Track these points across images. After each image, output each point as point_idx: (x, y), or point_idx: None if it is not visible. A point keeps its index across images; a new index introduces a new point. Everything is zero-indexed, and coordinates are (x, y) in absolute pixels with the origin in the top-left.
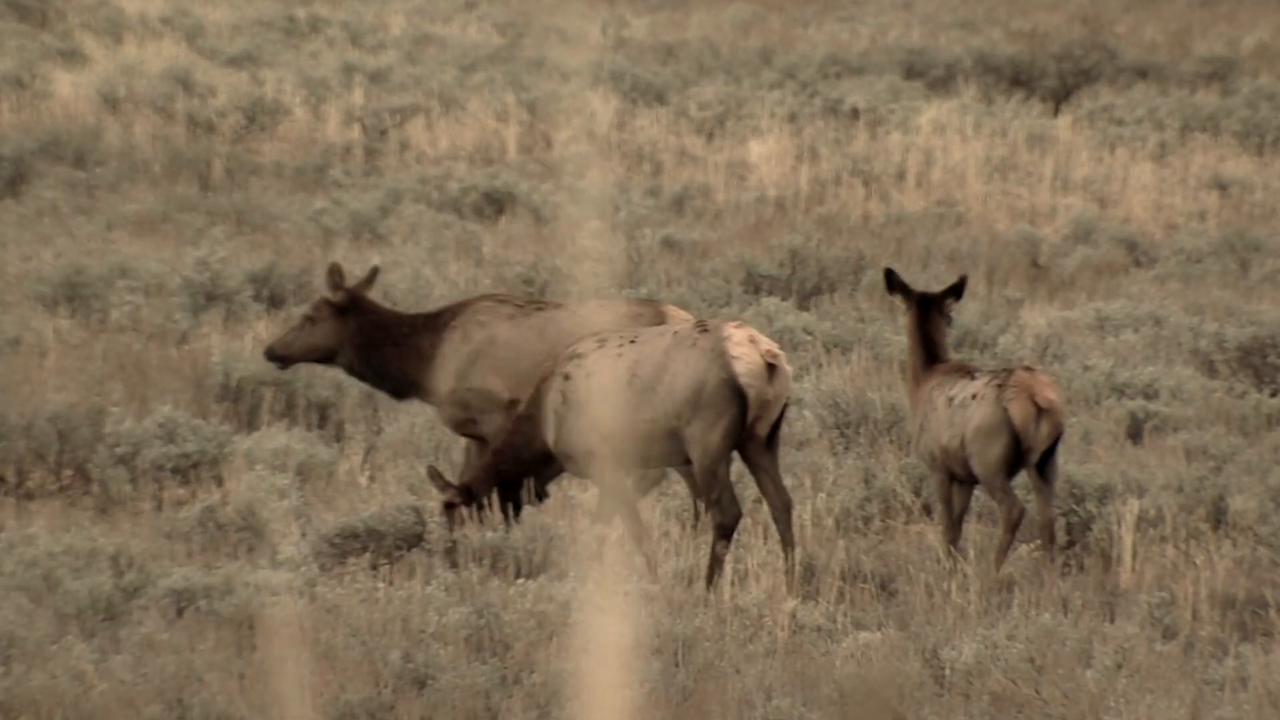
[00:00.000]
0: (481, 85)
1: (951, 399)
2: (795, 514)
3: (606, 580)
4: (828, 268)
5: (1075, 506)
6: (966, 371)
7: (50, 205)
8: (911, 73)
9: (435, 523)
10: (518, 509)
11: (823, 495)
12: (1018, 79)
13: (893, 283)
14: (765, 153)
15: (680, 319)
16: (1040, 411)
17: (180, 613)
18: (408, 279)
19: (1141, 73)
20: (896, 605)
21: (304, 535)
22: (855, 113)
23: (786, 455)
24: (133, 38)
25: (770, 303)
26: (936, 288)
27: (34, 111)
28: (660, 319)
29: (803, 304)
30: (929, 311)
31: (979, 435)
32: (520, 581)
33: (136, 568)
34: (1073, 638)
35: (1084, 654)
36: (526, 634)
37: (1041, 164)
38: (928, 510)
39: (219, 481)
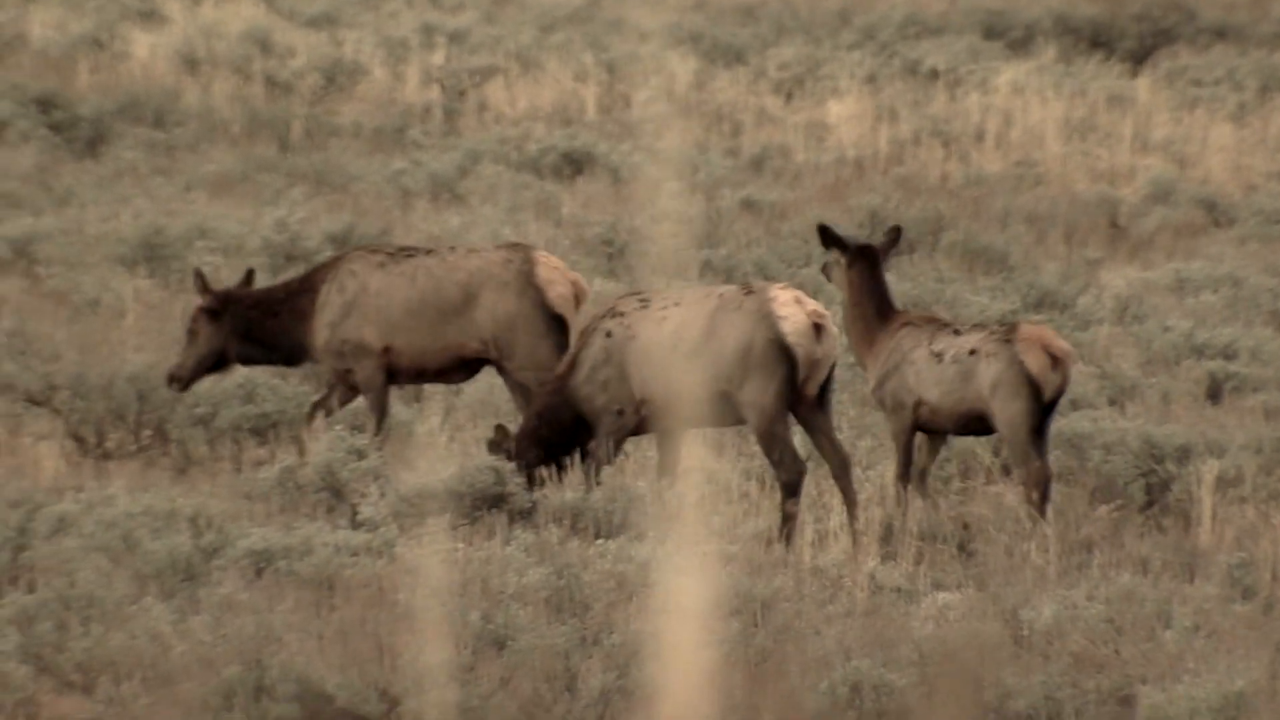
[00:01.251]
0: (560, 45)
1: (939, 354)
2: (877, 473)
3: (685, 541)
4: (906, 228)
5: (1155, 466)
6: (943, 325)
7: (129, 166)
8: (991, 33)
9: (515, 483)
10: (560, 470)
11: None
12: (1097, 40)
13: (828, 237)
14: (844, 113)
15: (553, 264)
16: (1055, 361)
17: (259, 573)
18: (486, 240)
19: (1220, 33)
20: (975, 566)
21: (383, 496)
22: (934, 73)
23: (865, 416)
24: None
25: None
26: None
27: (113, 73)
28: (530, 264)
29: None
30: (875, 262)
31: (999, 393)
32: (599, 542)
33: (215, 528)
34: (1151, 598)
35: (1163, 614)
36: (605, 595)
37: (1120, 125)
38: (1006, 471)
39: (298, 442)
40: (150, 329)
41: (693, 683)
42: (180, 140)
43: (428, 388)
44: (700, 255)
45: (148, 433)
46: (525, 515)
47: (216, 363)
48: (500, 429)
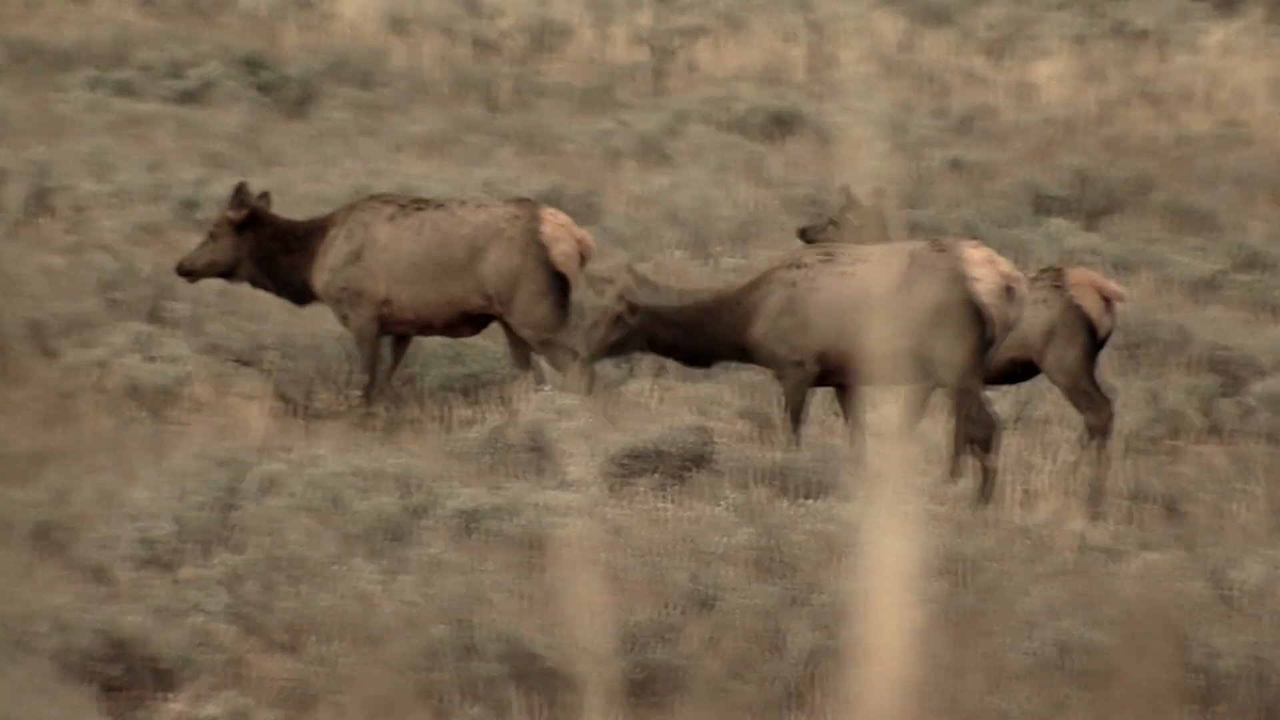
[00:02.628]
0: (768, 6)
1: None
2: (1080, 435)
3: (892, 501)
4: (1114, 188)
5: None
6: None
7: (337, 126)
8: None
9: (722, 443)
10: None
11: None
12: None
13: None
14: (1051, 73)
15: (560, 221)
16: (1108, 303)
17: (466, 533)
18: (694, 200)
19: None
20: (1183, 526)
21: (591, 456)
22: (1142, 33)
23: None
24: None
25: (1057, 223)
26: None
27: (321, 33)
28: (536, 220)
29: (1089, 225)
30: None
31: (1056, 339)
32: (806, 502)
33: (423, 488)
34: None
35: None
36: (812, 555)
37: None
38: (1216, 430)
39: (506, 402)
40: None
41: (899, 643)
42: (387, 100)
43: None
44: (907, 215)
45: (355, 392)
46: (733, 475)
47: (227, 272)
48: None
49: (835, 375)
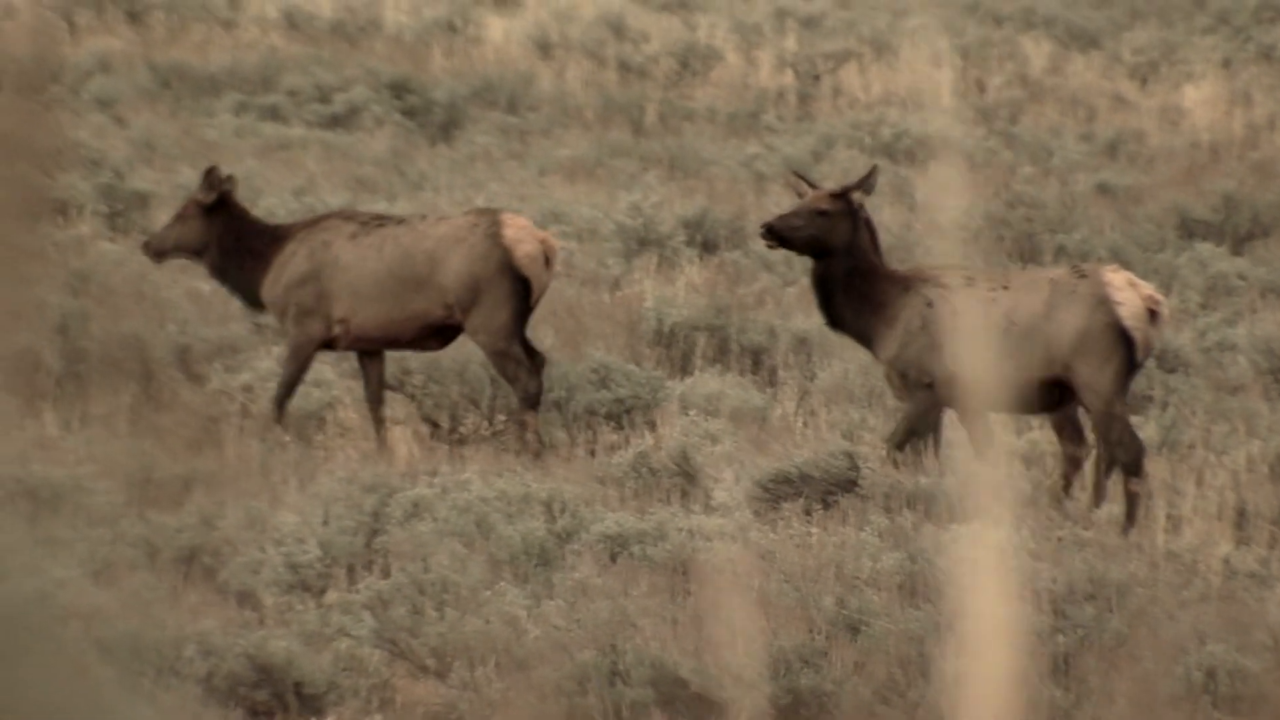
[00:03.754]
0: (914, 30)
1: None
2: (1230, 459)
3: (1039, 526)
4: (1261, 213)
5: None
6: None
7: (483, 150)
8: None
9: (869, 468)
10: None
11: (1257, 441)
12: None
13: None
14: (1199, 97)
15: (520, 224)
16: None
17: (613, 558)
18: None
19: None
20: None
21: (737, 480)
22: None
23: (1220, 401)
24: None
25: (1204, 248)
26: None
27: (467, 57)
28: (497, 225)
29: (1236, 249)
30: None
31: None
32: (954, 527)
33: (570, 513)
34: None
35: None
36: (959, 580)
37: None
38: None
39: (652, 427)
40: None
41: (1046, 668)
42: (534, 125)
43: (781, 372)
44: (1054, 240)
45: (502, 418)
46: (880, 499)
47: (193, 253)
48: None
49: (965, 399)
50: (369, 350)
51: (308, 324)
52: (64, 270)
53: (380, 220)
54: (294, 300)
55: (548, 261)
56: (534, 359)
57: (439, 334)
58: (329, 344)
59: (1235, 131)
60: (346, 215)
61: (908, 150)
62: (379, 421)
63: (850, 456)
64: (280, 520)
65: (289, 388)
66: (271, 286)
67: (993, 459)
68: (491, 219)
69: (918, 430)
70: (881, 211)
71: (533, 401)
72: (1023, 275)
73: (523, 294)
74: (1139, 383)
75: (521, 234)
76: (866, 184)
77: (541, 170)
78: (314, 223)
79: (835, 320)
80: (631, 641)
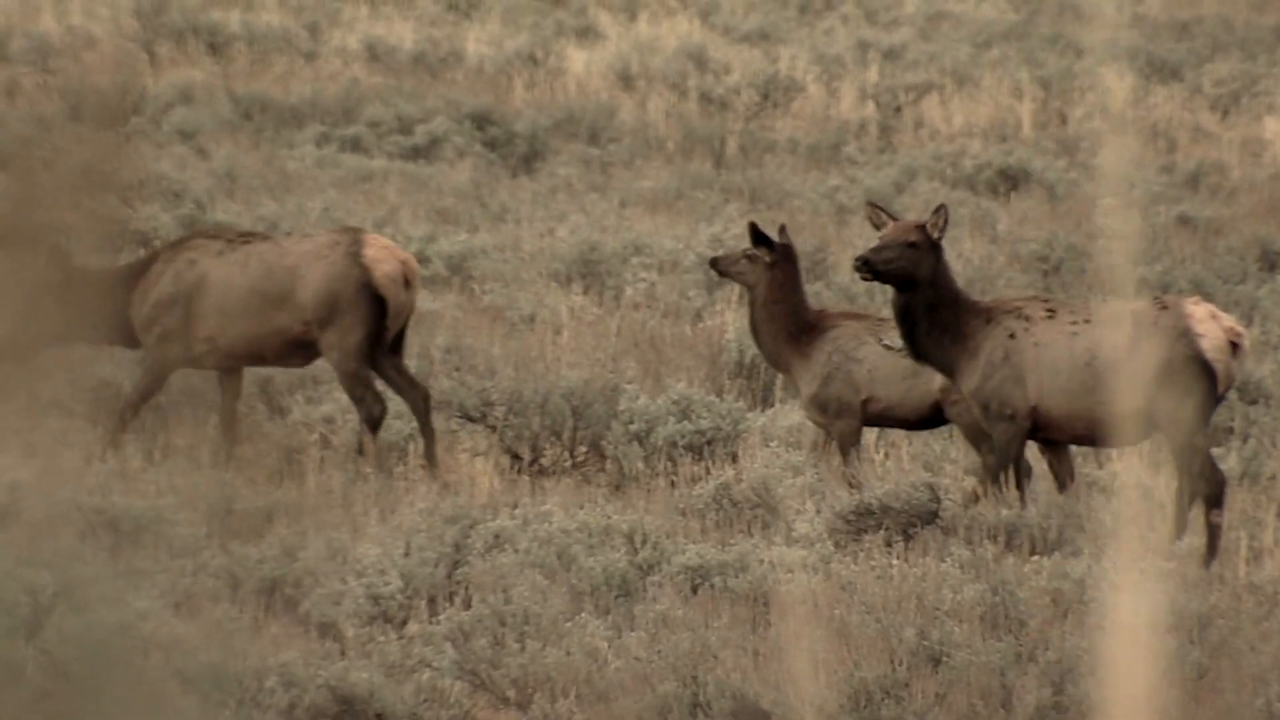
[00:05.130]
0: (996, 62)
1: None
2: None
3: (1122, 557)
4: None
5: None
6: (878, 321)
7: (565, 182)
8: None
9: (950, 499)
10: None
11: None
12: None
13: (757, 235)
14: None
15: (382, 244)
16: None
17: (695, 589)
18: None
19: None
20: None
21: (818, 512)
22: None
23: None
24: (647, 14)
25: None
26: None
27: (548, 89)
28: (358, 244)
29: None
30: (795, 262)
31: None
32: (1035, 558)
33: (651, 544)
34: None
35: None
36: (1041, 611)
37: None
38: None
39: (733, 458)
40: (585, 345)
41: (1128, 700)
42: (615, 156)
43: None
44: (1137, 272)
45: (583, 449)
46: (961, 531)
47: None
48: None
49: (1047, 431)
50: (230, 367)
51: (167, 345)
52: None
53: (246, 238)
54: (160, 320)
55: (408, 283)
56: (415, 388)
57: (301, 350)
58: (194, 361)
59: None
60: (212, 233)
61: (989, 182)
62: (232, 440)
63: (931, 488)
64: (362, 552)
65: (139, 403)
66: (138, 306)
67: (1073, 491)
68: (354, 237)
69: (1004, 463)
70: (962, 243)
71: (374, 425)
72: (1104, 307)
73: (379, 315)
74: (1220, 414)
75: (382, 254)
76: (936, 221)
77: (623, 202)
78: (178, 244)
79: (919, 351)
80: (712, 673)
